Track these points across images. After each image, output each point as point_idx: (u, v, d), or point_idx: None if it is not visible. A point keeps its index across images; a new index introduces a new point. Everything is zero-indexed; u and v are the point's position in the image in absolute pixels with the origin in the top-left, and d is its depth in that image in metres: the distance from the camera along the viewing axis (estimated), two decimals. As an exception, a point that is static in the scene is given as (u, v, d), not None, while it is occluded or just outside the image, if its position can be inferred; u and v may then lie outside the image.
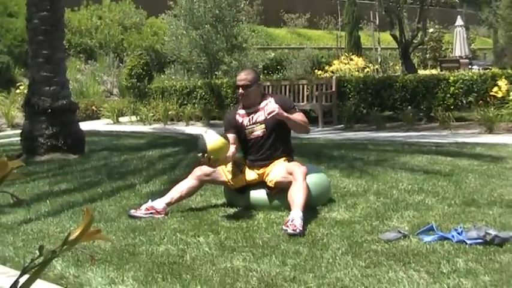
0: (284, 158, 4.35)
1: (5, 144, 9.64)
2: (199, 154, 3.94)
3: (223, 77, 14.20)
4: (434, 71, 15.06)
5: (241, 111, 4.46)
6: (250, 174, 4.41)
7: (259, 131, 4.38)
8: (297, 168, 4.17)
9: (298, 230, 3.62)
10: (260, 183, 4.38)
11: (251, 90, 4.33)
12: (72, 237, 1.29)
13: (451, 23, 19.97)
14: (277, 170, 4.27)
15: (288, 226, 3.67)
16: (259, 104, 4.39)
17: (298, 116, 4.31)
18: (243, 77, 4.35)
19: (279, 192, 4.26)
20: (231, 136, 4.25)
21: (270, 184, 4.30)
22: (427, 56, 19.86)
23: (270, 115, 4.18)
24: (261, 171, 4.37)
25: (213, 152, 3.90)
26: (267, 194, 4.33)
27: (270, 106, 4.33)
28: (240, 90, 4.34)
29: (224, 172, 4.44)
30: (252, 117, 4.41)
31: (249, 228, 3.84)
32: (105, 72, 17.74)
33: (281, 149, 4.36)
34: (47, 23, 7.62)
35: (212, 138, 3.92)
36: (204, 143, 3.91)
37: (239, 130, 4.42)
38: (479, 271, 2.90)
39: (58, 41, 7.84)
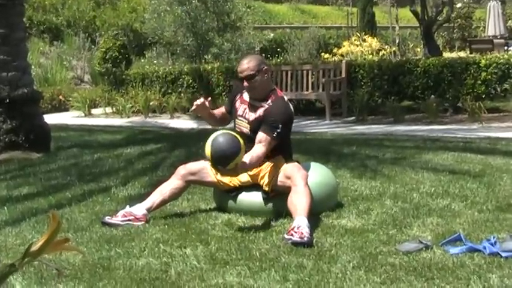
0: (279, 159, 4.34)
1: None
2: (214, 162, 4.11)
3: (214, 62, 14.18)
4: (462, 54, 15.06)
5: (245, 95, 4.48)
6: (242, 176, 4.42)
7: (245, 128, 4.40)
8: (296, 172, 4.18)
9: (306, 238, 3.63)
10: (255, 186, 4.39)
11: (257, 81, 4.30)
12: (34, 248, 1.28)
13: (483, -3, 19.94)
14: (274, 172, 4.28)
15: (292, 234, 3.68)
16: (264, 99, 4.36)
17: (250, 157, 4.14)
18: (245, 66, 4.32)
19: (278, 195, 4.27)
20: (225, 108, 4.59)
21: (266, 188, 4.32)
22: (454, 35, 19.84)
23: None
24: (253, 172, 4.37)
25: (240, 157, 4.06)
26: (264, 197, 4.34)
27: (260, 112, 4.33)
28: (245, 83, 4.33)
29: (213, 171, 4.44)
30: (246, 110, 4.42)
31: (244, 237, 3.85)
32: (74, 56, 17.69)
33: (273, 151, 4.33)
34: (3, -4, 7.58)
35: (237, 139, 4.08)
36: (234, 145, 4.03)
37: (232, 113, 4.54)
38: (515, 288, 2.90)
39: (17, 18, 7.80)
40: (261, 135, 4.23)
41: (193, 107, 4.36)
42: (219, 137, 4.08)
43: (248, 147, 4.26)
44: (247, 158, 4.13)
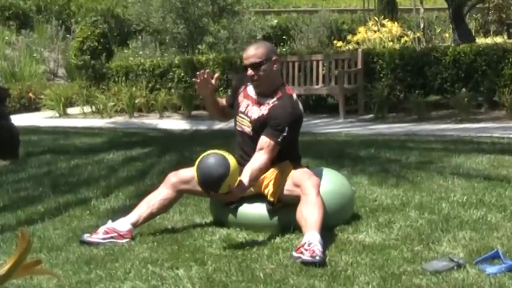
0: (286, 165, 4.35)
1: None
2: (209, 188, 4.07)
3: (209, 52, 14.19)
4: (499, 39, 15.04)
5: (250, 89, 4.50)
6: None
7: (246, 127, 4.41)
8: (306, 179, 4.19)
9: (318, 257, 3.64)
10: (258, 196, 4.39)
11: (264, 71, 4.33)
12: (1, 272, 1.28)
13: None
14: (280, 180, 4.29)
15: (302, 252, 3.69)
16: (271, 95, 4.37)
17: (250, 170, 4.16)
18: (252, 52, 4.36)
19: (284, 206, 4.28)
20: (227, 100, 4.61)
21: (271, 198, 4.33)
22: (490, 18, 19.79)
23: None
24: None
25: (232, 178, 4.03)
26: (268, 209, 4.34)
27: (264, 110, 4.34)
28: (249, 72, 4.35)
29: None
30: (248, 107, 4.43)
31: (245, 256, 3.85)
32: (46, 47, 17.70)
33: (278, 155, 4.34)
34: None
35: (225, 159, 4.06)
36: (221, 165, 4.01)
37: (234, 108, 4.55)
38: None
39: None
40: (263, 140, 4.23)
41: (197, 79, 4.35)
42: (205, 158, 4.10)
43: (250, 149, 4.27)
44: (246, 173, 4.15)
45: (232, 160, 4.07)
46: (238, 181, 4.10)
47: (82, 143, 9.09)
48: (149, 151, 8.15)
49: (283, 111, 4.27)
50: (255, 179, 4.21)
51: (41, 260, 1.30)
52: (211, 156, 4.09)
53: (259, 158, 4.20)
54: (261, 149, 4.22)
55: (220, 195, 4.14)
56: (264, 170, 4.24)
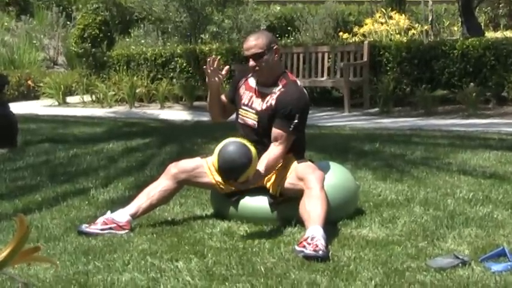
0: (289, 158, 4.36)
1: None
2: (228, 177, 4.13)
3: (212, 42, 14.18)
4: (509, 33, 15.01)
5: (251, 81, 4.51)
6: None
7: (251, 120, 4.41)
8: (310, 173, 4.20)
9: (321, 252, 3.65)
10: (260, 189, 4.40)
11: (266, 61, 4.32)
12: (-1, 257, 1.28)
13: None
14: (283, 173, 4.30)
15: (304, 246, 3.70)
16: (274, 84, 4.39)
17: (266, 161, 4.21)
18: (252, 43, 4.35)
19: (287, 200, 4.30)
20: (226, 96, 4.57)
21: (273, 191, 4.34)
22: (500, 11, 19.74)
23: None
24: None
25: (252, 168, 4.10)
26: (270, 202, 4.35)
27: (271, 99, 4.34)
28: (251, 63, 4.35)
29: (210, 170, 4.45)
30: (252, 98, 4.43)
31: (246, 249, 3.86)
32: (46, 34, 17.69)
33: None
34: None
35: (248, 149, 4.11)
36: (244, 155, 4.07)
37: (235, 101, 4.54)
38: None
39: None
40: (276, 132, 4.26)
41: (207, 68, 4.33)
42: (227, 145, 4.14)
43: (254, 142, 4.27)
44: (262, 163, 4.18)
45: (253, 150, 4.12)
46: (255, 171, 4.14)
47: (81, 133, 9.10)
48: (149, 142, 8.16)
49: (290, 99, 4.29)
50: (271, 168, 4.27)
51: (39, 247, 1.30)
52: (234, 145, 4.14)
53: (274, 149, 4.24)
54: (275, 140, 4.26)
55: (233, 183, 4.18)
56: (279, 160, 4.28)
